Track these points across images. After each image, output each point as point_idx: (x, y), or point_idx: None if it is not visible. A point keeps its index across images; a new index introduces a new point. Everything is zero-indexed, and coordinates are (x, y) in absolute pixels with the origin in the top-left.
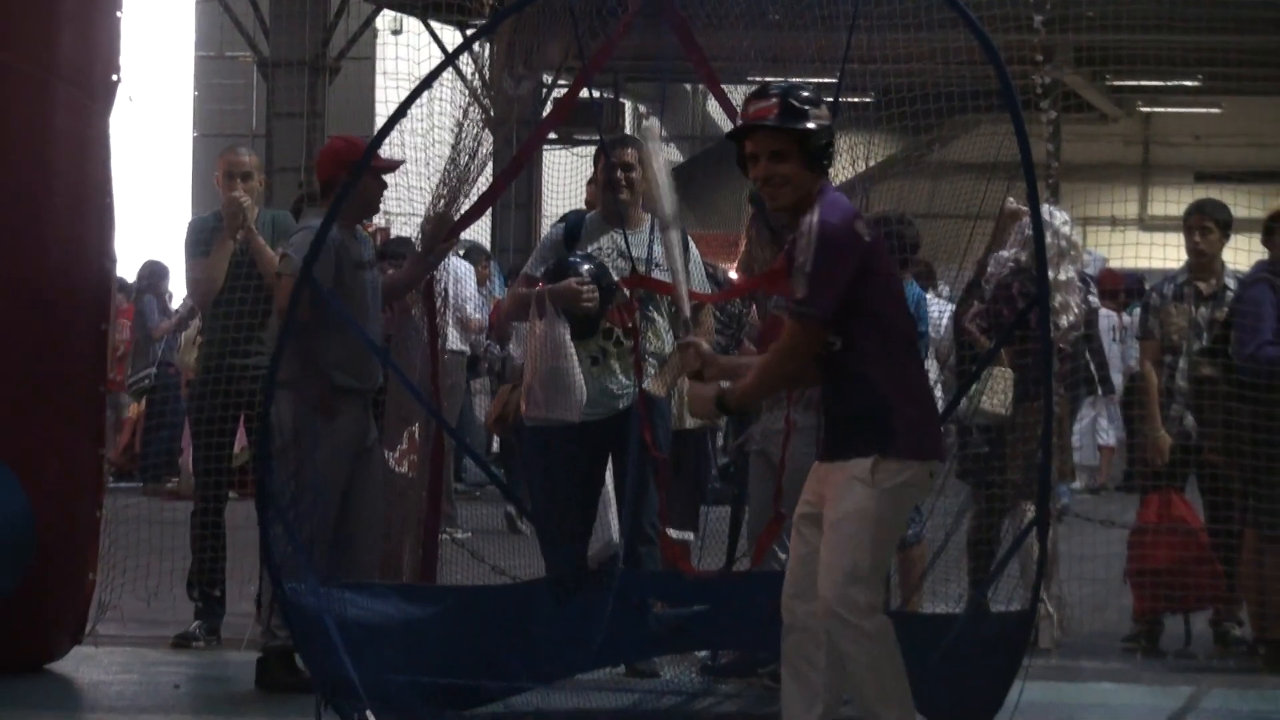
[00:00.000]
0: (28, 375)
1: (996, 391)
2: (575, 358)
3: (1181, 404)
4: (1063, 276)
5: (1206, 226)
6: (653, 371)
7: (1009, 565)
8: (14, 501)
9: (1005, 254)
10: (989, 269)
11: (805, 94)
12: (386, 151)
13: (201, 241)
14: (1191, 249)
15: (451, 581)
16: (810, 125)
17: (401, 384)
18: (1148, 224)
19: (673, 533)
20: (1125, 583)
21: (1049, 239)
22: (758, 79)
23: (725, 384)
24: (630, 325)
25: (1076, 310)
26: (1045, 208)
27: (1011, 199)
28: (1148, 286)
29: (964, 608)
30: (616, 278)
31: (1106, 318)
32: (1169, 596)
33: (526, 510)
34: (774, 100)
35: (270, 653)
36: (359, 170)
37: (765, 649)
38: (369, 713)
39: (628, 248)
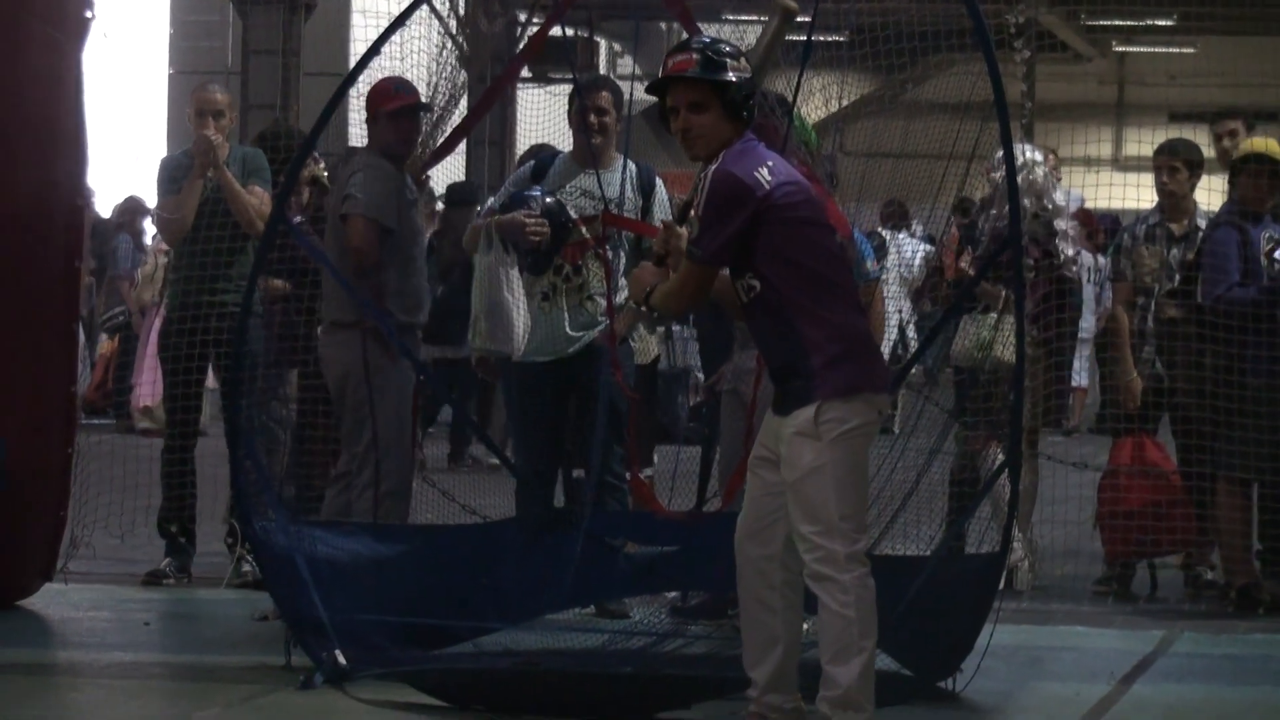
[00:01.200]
0: None
1: (1009, 342)
2: (519, 291)
3: (1154, 346)
4: (1060, 200)
5: (1175, 166)
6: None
7: (980, 507)
8: None
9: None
10: (983, 222)
11: (726, 48)
12: (360, 91)
13: (173, 179)
14: (1160, 189)
15: (421, 520)
16: (730, 77)
17: (378, 322)
18: (1122, 164)
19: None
20: (1095, 527)
21: (1037, 175)
22: (731, 18)
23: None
24: (580, 263)
25: (1074, 235)
26: (1021, 147)
27: (996, 174)
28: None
29: (934, 548)
30: (576, 216)
31: (1084, 258)
32: (1140, 540)
33: (501, 454)
34: (693, 53)
35: None
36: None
37: (735, 590)
38: (337, 651)
39: (601, 188)
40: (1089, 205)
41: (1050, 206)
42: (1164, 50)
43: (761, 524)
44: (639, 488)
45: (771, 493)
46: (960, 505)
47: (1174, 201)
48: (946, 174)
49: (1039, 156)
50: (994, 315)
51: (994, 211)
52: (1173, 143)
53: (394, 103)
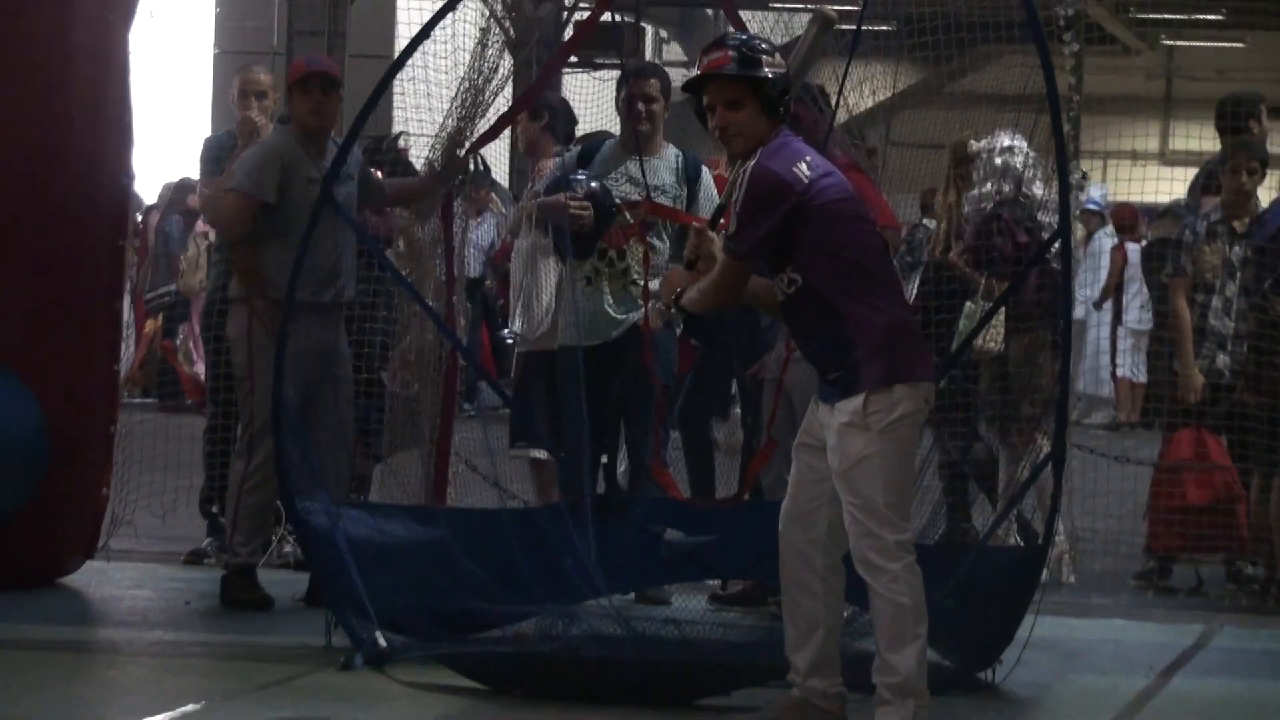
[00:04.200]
0: (44, 290)
1: (989, 327)
2: (550, 276)
3: (1214, 343)
4: (1039, 192)
5: (1254, 167)
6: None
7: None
8: (28, 415)
9: (987, 188)
10: (965, 207)
11: (761, 44)
12: (408, 74)
13: (216, 160)
14: (1236, 188)
15: (462, 504)
16: (765, 73)
17: (415, 301)
18: (1169, 158)
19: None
20: (1145, 518)
21: (1015, 162)
22: (778, 5)
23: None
24: (624, 248)
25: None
26: (1009, 136)
27: (974, 141)
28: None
29: (980, 539)
30: (620, 201)
31: (1133, 250)
32: (1196, 535)
33: (539, 436)
34: (729, 50)
35: (232, 570)
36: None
37: (774, 578)
38: (378, 633)
39: (644, 176)
40: (1134, 199)
41: (1028, 197)
42: (1212, 45)
43: (805, 509)
44: (661, 476)
45: (816, 478)
46: (958, 490)
47: (1243, 200)
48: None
49: (1022, 144)
50: (974, 303)
51: (979, 191)
52: (1247, 141)
53: (299, 73)
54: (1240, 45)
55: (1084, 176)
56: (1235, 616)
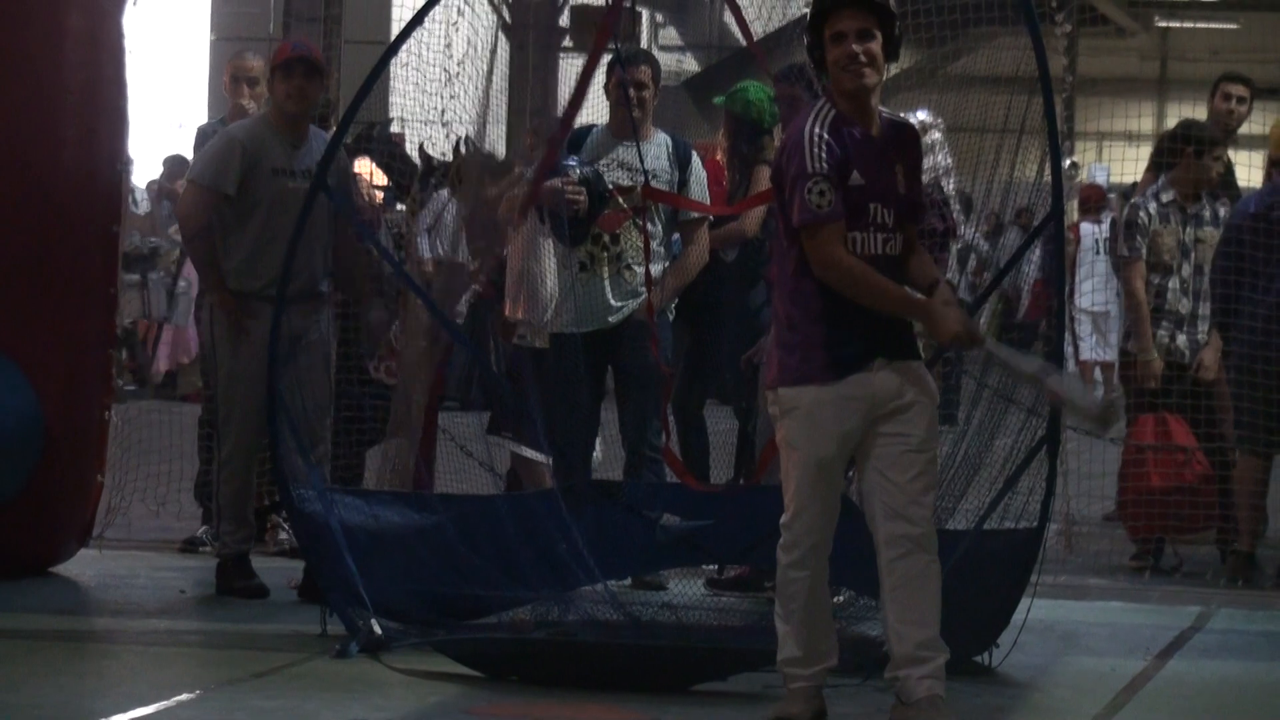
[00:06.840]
0: (38, 275)
1: None
2: (549, 262)
3: (1171, 323)
4: (950, 189)
5: (1219, 155)
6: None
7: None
8: (22, 402)
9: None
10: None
11: None
12: (402, 60)
13: None
14: (1191, 168)
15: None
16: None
17: (414, 292)
18: None
19: None
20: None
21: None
22: None
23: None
24: (618, 232)
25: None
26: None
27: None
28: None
29: (973, 524)
30: (612, 186)
31: (1090, 233)
32: (1166, 519)
33: (532, 435)
34: None
35: (225, 559)
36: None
37: (770, 562)
38: (373, 620)
39: (640, 160)
40: (1128, 180)
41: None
42: (1206, 26)
43: (834, 523)
44: (672, 461)
45: (838, 488)
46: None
47: (1201, 183)
48: (995, 149)
49: (927, 118)
50: None
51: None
52: (1196, 122)
53: (282, 56)
54: (1234, 26)
55: (1073, 166)
56: (1231, 596)
